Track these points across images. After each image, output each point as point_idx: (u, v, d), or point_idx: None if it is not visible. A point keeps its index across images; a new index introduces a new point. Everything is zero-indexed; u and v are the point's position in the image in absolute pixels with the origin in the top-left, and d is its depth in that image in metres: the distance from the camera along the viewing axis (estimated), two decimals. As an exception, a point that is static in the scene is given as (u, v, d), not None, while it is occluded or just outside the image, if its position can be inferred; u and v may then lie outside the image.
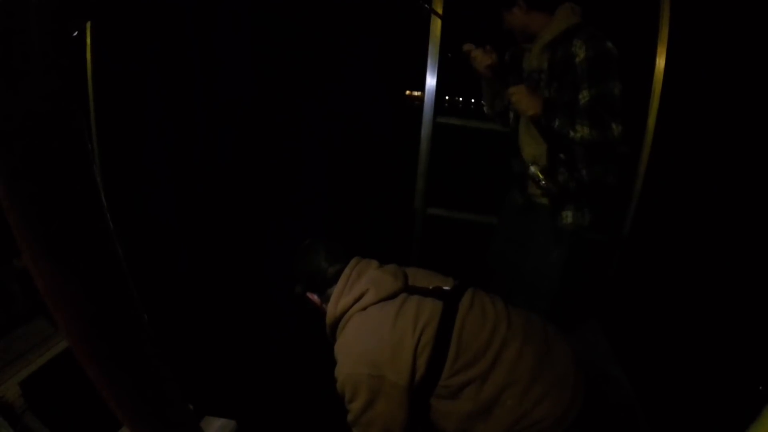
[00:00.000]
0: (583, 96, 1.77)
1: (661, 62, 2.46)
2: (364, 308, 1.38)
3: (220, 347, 2.44)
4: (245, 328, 2.53)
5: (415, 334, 1.30)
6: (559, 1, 1.90)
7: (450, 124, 2.62)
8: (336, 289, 1.45)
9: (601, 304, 2.73)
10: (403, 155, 2.70)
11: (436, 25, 2.44)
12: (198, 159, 2.52)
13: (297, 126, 2.56)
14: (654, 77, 2.48)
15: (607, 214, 2.64)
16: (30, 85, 0.36)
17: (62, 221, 0.44)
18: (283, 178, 2.60)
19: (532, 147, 2.04)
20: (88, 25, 2.32)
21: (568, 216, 2.00)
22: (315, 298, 1.55)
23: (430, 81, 2.51)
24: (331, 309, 1.45)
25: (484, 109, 2.28)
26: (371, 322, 1.36)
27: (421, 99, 2.57)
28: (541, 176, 1.92)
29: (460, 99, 2.86)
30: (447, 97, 2.51)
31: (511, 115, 2.16)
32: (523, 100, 1.82)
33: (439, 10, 2.39)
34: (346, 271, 1.47)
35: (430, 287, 1.44)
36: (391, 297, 1.39)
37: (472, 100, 2.83)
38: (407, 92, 2.77)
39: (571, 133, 1.76)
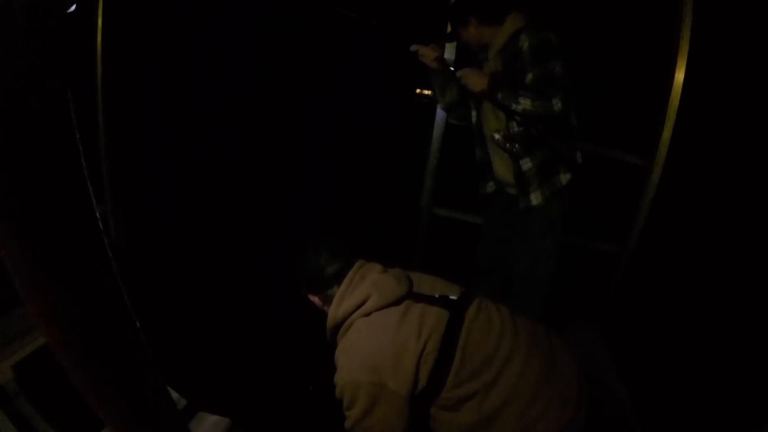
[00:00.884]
0: (528, 78, 1.92)
1: (680, 76, 2.43)
2: (367, 314, 1.34)
3: (219, 346, 2.41)
4: (245, 328, 2.51)
5: (418, 343, 1.27)
6: (507, 12, 2.05)
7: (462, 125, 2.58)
8: (338, 292, 1.41)
9: (603, 311, 2.71)
10: (404, 154, 2.68)
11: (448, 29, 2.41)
12: (198, 158, 2.51)
13: (297, 126, 2.55)
14: (672, 90, 2.45)
15: (615, 223, 2.65)
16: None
17: (45, 218, 0.41)
18: (283, 177, 2.59)
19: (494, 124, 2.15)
20: (99, 23, 2.29)
21: (536, 197, 2.09)
22: (316, 299, 1.51)
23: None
24: (333, 312, 1.41)
25: (438, 104, 2.43)
26: (374, 328, 1.32)
27: (431, 97, 2.55)
28: (504, 141, 2.09)
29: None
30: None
31: (472, 104, 2.28)
32: (471, 78, 2.00)
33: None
34: (350, 274, 1.43)
35: (436, 295, 1.40)
36: (395, 303, 1.35)
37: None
38: (417, 90, 2.77)
39: (514, 105, 1.91)
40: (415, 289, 1.43)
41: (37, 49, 0.35)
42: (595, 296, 2.74)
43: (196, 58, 2.38)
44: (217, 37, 2.37)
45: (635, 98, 2.61)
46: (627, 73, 2.61)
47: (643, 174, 2.57)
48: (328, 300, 1.45)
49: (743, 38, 2.44)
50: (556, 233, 2.13)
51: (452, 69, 2.15)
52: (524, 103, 1.89)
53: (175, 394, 1.78)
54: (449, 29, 2.28)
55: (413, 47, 2.12)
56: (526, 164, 2.09)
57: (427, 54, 2.12)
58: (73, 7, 2.14)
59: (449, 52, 2.48)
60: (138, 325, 0.60)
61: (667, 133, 2.50)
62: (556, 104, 1.88)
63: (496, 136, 2.07)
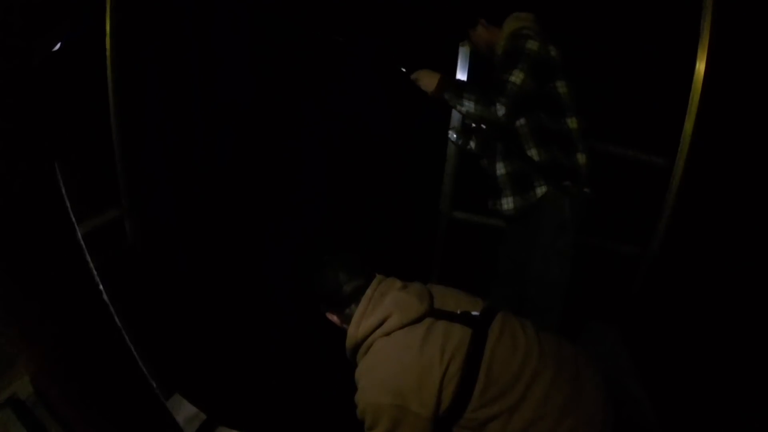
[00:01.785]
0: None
1: (701, 66, 2.34)
2: (388, 333, 1.31)
3: (219, 347, 2.41)
4: (244, 328, 2.50)
5: (442, 364, 1.23)
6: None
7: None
8: (357, 311, 1.38)
9: (625, 315, 2.66)
10: (420, 156, 2.65)
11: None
12: (197, 159, 2.50)
13: (296, 126, 2.54)
14: (693, 83, 2.36)
15: (637, 225, 2.59)
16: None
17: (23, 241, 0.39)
18: (282, 178, 2.57)
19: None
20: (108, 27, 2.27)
21: (507, 203, 2.10)
22: (335, 318, 1.48)
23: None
24: (352, 332, 1.37)
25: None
26: (395, 348, 1.29)
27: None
28: (457, 138, 2.14)
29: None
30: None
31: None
32: (422, 79, 1.99)
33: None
34: (368, 291, 1.39)
35: (458, 311, 1.37)
36: (417, 321, 1.32)
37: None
38: None
39: (458, 107, 1.92)
40: (436, 305, 1.39)
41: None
42: (616, 300, 2.68)
43: (195, 58, 2.37)
44: (215, 37, 2.36)
45: (655, 95, 2.54)
46: (646, 70, 2.55)
47: (665, 174, 2.49)
48: (346, 319, 1.42)
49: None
50: (568, 234, 2.05)
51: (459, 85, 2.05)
52: (467, 106, 1.88)
53: (193, 409, 1.78)
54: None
55: (413, 77, 2.04)
56: (500, 170, 2.07)
57: (426, 81, 2.00)
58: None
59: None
60: (128, 343, 0.59)
61: (688, 128, 2.41)
62: (499, 110, 1.84)
63: (452, 133, 2.11)
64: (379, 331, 1.32)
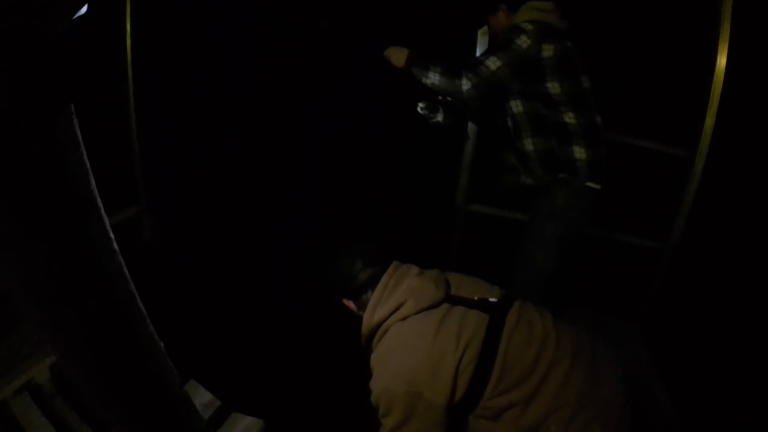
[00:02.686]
0: None
1: (722, 60, 2.30)
2: (404, 318, 1.29)
3: (220, 347, 2.41)
4: (246, 328, 2.50)
5: (457, 351, 1.21)
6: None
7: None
8: (373, 297, 1.36)
9: (644, 310, 2.61)
10: (437, 150, 2.64)
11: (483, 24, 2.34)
12: (198, 159, 2.51)
13: (297, 126, 2.54)
14: (714, 76, 2.32)
15: (658, 218, 2.55)
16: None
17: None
18: (283, 178, 2.58)
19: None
20: (128, 27, 2.29)
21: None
22: (351, 305, 1.46)
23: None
24: (368, 318, 1.36)
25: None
26: (411, 334, 1.27)
27: None
28: (425, 110, 2.13)
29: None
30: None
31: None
32: (393, 55, 2.01)
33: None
34: (384, 278, 1.38)
35: (475, 298, 1.35)
36: (433, 307, 1.30)
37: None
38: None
39: (424, 79, 1.94)
40: (453, 291, 1.37)
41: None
42: (636, 294, 2.63)
43: (196, 58, 2.39)
44: (216, 37, 2.37)
45: (676, 86, 2.51)
46: (665, 60, 2.52)
47: (686, 166, 2.44)
48: (362, 305, 1.41)
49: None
50: (557, 224, 2.06)
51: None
52: (432, 78, 1.92)
53: (209, 396, 1.79)
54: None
55: (385, 54, 2.06)
56: (529, 146, 2.09)
57: (395, 57, 2.03)
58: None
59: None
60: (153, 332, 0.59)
61: (710, 121, 2.36)
62: (464, 85, 1.88)
63: (420, 105, 2.12)
64: (394, 317, 1.31)
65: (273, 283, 2.60)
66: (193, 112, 2.44)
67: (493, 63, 1.88)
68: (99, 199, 0.47)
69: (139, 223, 2.55)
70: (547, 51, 1.89)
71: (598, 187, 2.03)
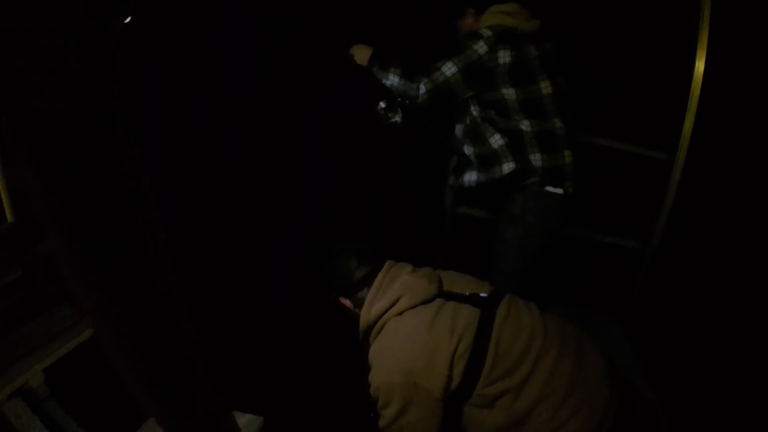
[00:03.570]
0: None
1: (700, 66, 2.38)
2: (400, 313, 1.34)
3: (218, 347, 2.40)
4: (244, 329, 2.52)
5: (452, 343, 1.26)
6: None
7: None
8: (369, 294, 1.41)
9: (627, 308, 2.69)
10: (406, 153, 2.67)
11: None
12: (197, 159, 2.52)
13: (296, 126, 2.56)
14: (693, 80, 2.39)
15: (639, 219, 2.62)
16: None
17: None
18: (282, 178, 2.60)
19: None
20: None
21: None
22: (347, 303, 1.51)
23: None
24: (365, 314, 1.41)
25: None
26: (406, 327, 1.32)
27: None
28: (382, 113, 2.13)
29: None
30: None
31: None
32: (356, 53, 2.07)
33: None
34: (379, 276, 1.43)
35: (467, 293, 1.40)
36: (427, 302, 1.36)
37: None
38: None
39: (384, 80, 2.00)
40: (446, 287, 1.42)
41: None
42: (619, 293, 2.71)
43: (195, 58, 2.39)
44: (216, 37, 2.37)
45: (656, 91, 2.58)
46: (646, 65, 2.59)
47: (666, 168, 2.52)
48: (359, 303, 1.45)
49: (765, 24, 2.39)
50: (516, 229, 2.08)
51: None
52: (391, 80, 1.98)
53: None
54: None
55: (350, 51, 2.13)
56: (487, 149, 2.10)
57: (359, 55, 2.09)
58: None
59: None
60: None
61: (688, 125, 2.43)
62: (420, 90, 1.94)
63: (381, 104, 2.12)
64: (390, 312, 1.35)
65: (271, 283, 2.61)
66: (192, 112, 2.44)
67: (448, 69, 1.92)
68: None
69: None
70: (503, 57, 1.90)
71: (560, 191, 2.03)
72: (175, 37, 2.32)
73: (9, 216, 2.43)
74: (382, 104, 2.13)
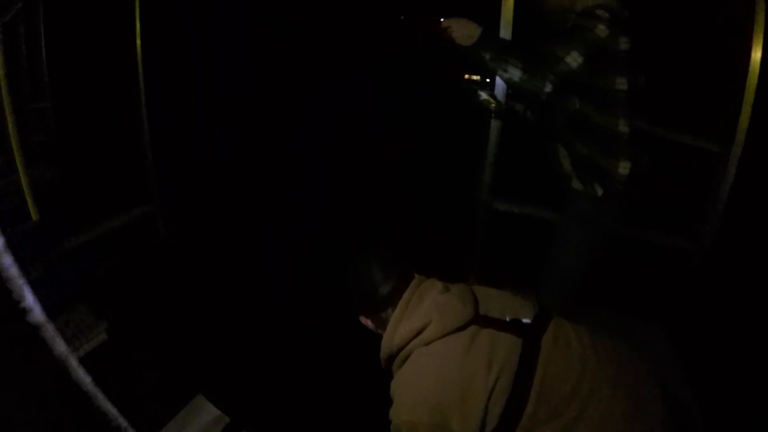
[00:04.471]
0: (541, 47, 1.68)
1: (756, 54, 2.23)
2: (428, 343, 1.18)
3: (217, 347, 2.39)
4: (243, 328, 2.48)
5: (488, 380, 1.10)
6: None
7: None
8: (394, 316, 1.24)
9: (674, 313, 2.49)
10: (456, 144, 2.58)
11: (508, 8, 2.21)
12: (197, 159, 2.50)
13: (296, 126, 2.51)
14: (749, 70, 2.24)
15: (688, 217, 2.44)
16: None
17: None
18: (282, 178, 2.56)
19: None
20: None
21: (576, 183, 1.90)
22: (368, 322, 1.35)
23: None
24: (387, 339, 1.24)
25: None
26: (436, 360, 1.16)
27: (479, 82, 2.43)
28: (491, 101, 1.93)
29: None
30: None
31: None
32: (457, 28, 1.67)
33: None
34: (406, 294, 1.25)
35: (507, 318, 1.23)
36: (460, 329, 1.18)
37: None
38: (465, 75, 2.64)
39: (500, 72, 1.66)
40: (482, 310, 1.24)
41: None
42: (665, 297, 2.53)
43: (196, 58, 2.36)
44: (216, 37, 2.35)
45: (712, 81, 2.39)
46: (702, 54, 2.41)
47: (720, 163, 2.34)
48: (381, 324, 1.29)
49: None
50: (588, 232, 1.90)
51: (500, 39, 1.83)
52: (511, 73, 1.64)
53: (216, 412, 1.77)
54: None
55: (444, 24, 1.70)
56: (562, 152, 1.90)
57: (462, 32, 1.68)
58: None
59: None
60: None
61: (744, 117, 2.28)
62: (546, 87, 1.63)
63: (482, 94, 1.91)
64: (417, 340, 1.19)
65: (271, 283, 2.59)
66: (192, 111, 2.43)
67: (573, 60, 1.63)
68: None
69: (153, 221, 2.54)
70: (624, 44, 1.68)
71: (636, 194, 1.85)
72: (175, 37, 2.29)
73: (33, 214, 2.44)
74: (483, 94, 1.93)
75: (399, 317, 1.23)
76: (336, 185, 2.62)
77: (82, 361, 1.73)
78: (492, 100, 1.95)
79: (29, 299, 1.41)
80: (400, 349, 1.22)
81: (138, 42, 2.26)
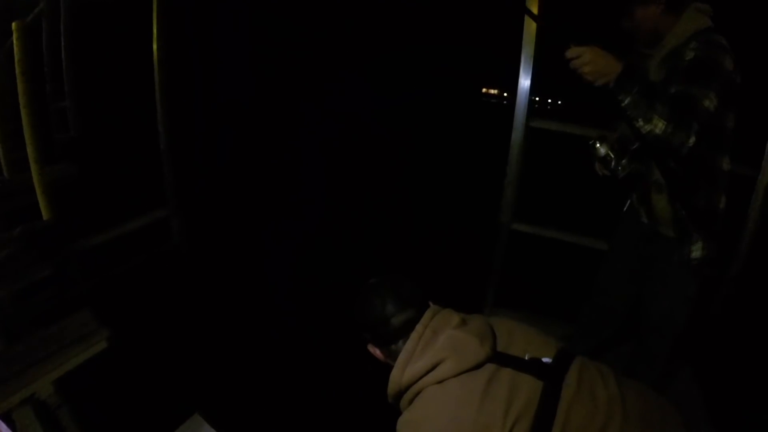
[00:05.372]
0: (672, 91, 1.46)
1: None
2: (440, 381, 1.09)
3: (219, 347, 2.39)
4: (244, 328, 2.49)
5: (505, 426, 1.01)
6: (688, 3, 1.61)
7: (544, 129, 2.32)
8: (405, 350, 1.15)
9: (699, 346, 2.36)
10: (476, 162, 2.55)
11: (531, 26, 2.16)
12: (197, 159, 2.50)
13: (296, 126, 2.52)
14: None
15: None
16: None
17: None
18: (282, 178, 2.57)
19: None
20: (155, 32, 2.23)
21: (696, 249, 1.71)
22: (377, 353, 1.26)
23: (524, 82, 2.26)
24: (396, 375, 1.15)
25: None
26: (449, 401, 1.07)
27: (499, 96, 2.36)
28: (612, 155, 1.60)
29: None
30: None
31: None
32: (594, 61, 1.43)
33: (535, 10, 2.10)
34: (419, 327, 1.17)
35: (526, 356, 1.14)
36: (476, 368, 1.09)
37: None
38: (483, 89, 2.57)
39: (640, 121, 1.41)
40: (500, 347, 1.16)
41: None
42: (690, 330, 2.41)
43: (195, 58, 2.37)
44: (215, 37, 2.35)
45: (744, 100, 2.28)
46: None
47: (750, 186, 2.22)
48: (391, 356, 1.21)
49: None
50: (698, 278, 1.78)
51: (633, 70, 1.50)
52: (656, 123, 1.39)
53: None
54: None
55: (576, 53, 1.45)
56: (682, 199, 1.70)
57: (602, 67, 1.44)
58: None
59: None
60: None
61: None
62: (690, 139, 1.40)
63: (599, 148, 1.62)
64: (429, 378, 1.10)
65: (272, 283, 2.58)
66: (192, 111, 2.43)
67: (710, 102, 1.42)
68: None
69: (167, 225, 2.56)
70: (738, 75, 1.51)
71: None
72: (175, 37, 2.29)
73: (45, 213, 2.45)
74: (602, 149, 1.62)
75: (411, 351, 1.14)
76: (337, 185, 2.61)
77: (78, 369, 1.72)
78: (614, 156, 1.63)
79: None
80: (410, 385, 1.14)
81: (156, 45, 2.25)
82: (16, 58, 2.13)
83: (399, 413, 1.14)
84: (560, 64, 1.54)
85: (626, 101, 1.42)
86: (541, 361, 1.13)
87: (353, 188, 2.59)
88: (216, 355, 2.33)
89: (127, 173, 2.59)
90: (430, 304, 1.25)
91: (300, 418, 2.06)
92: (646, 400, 1.13)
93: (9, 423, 1.56)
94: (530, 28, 2.19)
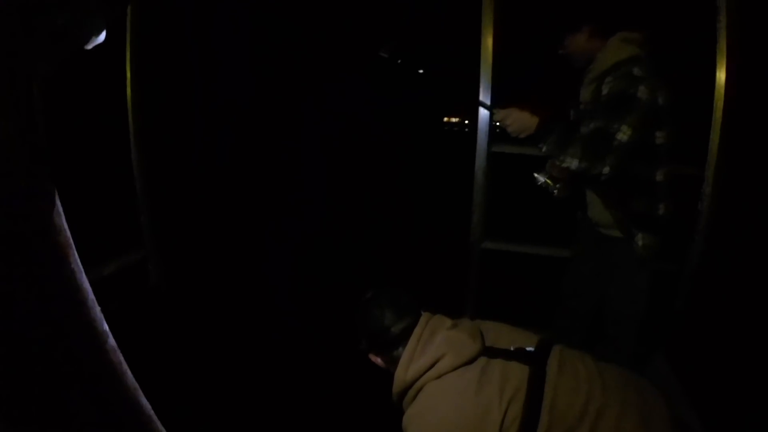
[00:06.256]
0: (589, 127, 1.78)
1: (721, 75, 2.28)
2: (440, 376, 1.21)
3: (219, 348, 2.40)
4: (244, 329, 2.49)
5: (501, 407, 1.13)
6: (617, 29, 1.84)
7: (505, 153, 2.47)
8: (406, 352, 1.27)
9: (668, 339, 2.51)
10: (443, 187, 2.64)
11: (488, 47, 2.29)
12: (197, 159, 2.50)
13: (296, 127, 2.56)
14: (715, 91, 2.29)
15: (677, 240, 2.47)
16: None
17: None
18: (281, 178, 2.59)
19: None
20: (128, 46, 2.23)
21: (642, 245, 1.90)
22: (379, 361, 1.38)
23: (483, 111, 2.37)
24: (400, 375, 1.27)
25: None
26: (449, 392, 1.19)
27: (460, 124, 2.49)
28: (549, 182, 1.95)
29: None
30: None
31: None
32: (514, 122, 1.81)
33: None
34: (416, 330, 1.29)
35: (512, 348, 1.27)
36: (470, 362, 1.22)
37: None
38: (445, 118, 2.71)
39: (560, 159, 1.76)
40: (489, 342, 1.29)
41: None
42: (659, 320, 2.54)
43: (195, 58, 2.37)
44: (215, 37, 2.37)
45: (684, 103, 2.47)
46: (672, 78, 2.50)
47: (698, 185, 2.38)
48: (393, 362, 1.32)
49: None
50: (647, 272, 1.98)
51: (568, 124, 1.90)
52: (569, 162, 1.73)
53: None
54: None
55: (500, 116, 1.86)
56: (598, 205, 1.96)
57: (520, 125, 1.82)
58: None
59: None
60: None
61: (715, 138, 2.32)
62: (605, 170, 1.71)
63: (539, 177, 1.94)
64: (429, 374, 1.22)
65: (272, 283, 2.60)
66: (192, 112, 2.42)
67: (624, 134, 1.69)
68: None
69: (144, 267, 2.51)
70: (663, 98, 1.74)
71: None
72: (175, 37, 2.30)
73: None
74: (540, 178, 1.96)
75: (412, 352, 1.26)
76: (336, 185, 2.63)
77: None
78: (552, 183, 1.98)
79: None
80: (413, 383, 1.25)
81: (129, 90, 2.23)
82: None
83: (400, 412, 1.24)
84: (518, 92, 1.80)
85: (544, 148, 1.79)
86: (526, 350, 1.26)
87: (353, 188, 2.61)
88: (216, 355, 2.35)
89: (99, 216, 2.53)
90: (423, 312, 1.38)
91: (301, 418, 2.09)
92: (622, 374, 1.28)
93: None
94: (486, 52, 2.33)
